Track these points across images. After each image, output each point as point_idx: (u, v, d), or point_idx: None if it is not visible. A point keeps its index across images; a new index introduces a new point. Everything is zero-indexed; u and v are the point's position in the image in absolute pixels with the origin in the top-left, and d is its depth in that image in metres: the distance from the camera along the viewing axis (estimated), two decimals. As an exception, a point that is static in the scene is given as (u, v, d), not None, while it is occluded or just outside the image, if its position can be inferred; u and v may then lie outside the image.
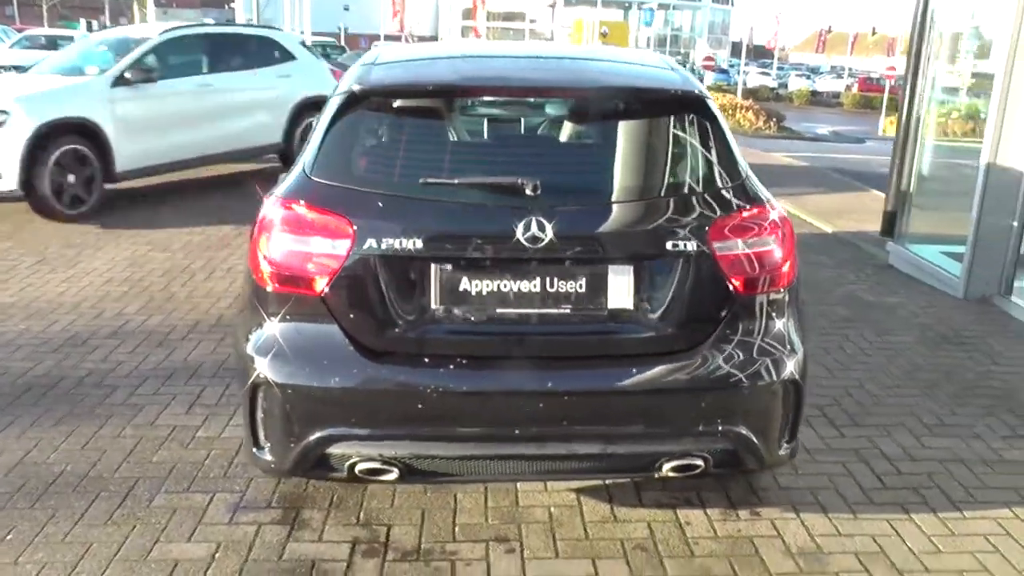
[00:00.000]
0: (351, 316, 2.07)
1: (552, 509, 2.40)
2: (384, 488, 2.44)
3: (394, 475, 2.10)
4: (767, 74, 38.99)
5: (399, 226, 2.05)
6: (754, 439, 2.11)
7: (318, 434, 2.05)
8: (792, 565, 2.19)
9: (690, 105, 2.28)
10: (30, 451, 2.62)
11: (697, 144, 2.25)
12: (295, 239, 2.07)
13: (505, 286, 2.07)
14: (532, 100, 2.52)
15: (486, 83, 2.35)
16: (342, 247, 2.04)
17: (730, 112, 16.42)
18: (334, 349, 2.06)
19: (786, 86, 37.75)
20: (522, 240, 2.02)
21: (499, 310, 2.09)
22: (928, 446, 2.86)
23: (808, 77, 40.09)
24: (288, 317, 2.10)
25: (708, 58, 32.60)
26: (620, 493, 2.48)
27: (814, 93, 35.59)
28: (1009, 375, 3.57)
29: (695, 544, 2.26)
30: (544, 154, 2.47)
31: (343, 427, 2.06)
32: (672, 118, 2.31)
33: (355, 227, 2.05)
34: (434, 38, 48.37)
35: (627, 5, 55.58)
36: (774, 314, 2.16)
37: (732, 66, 41.16)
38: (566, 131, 2.51)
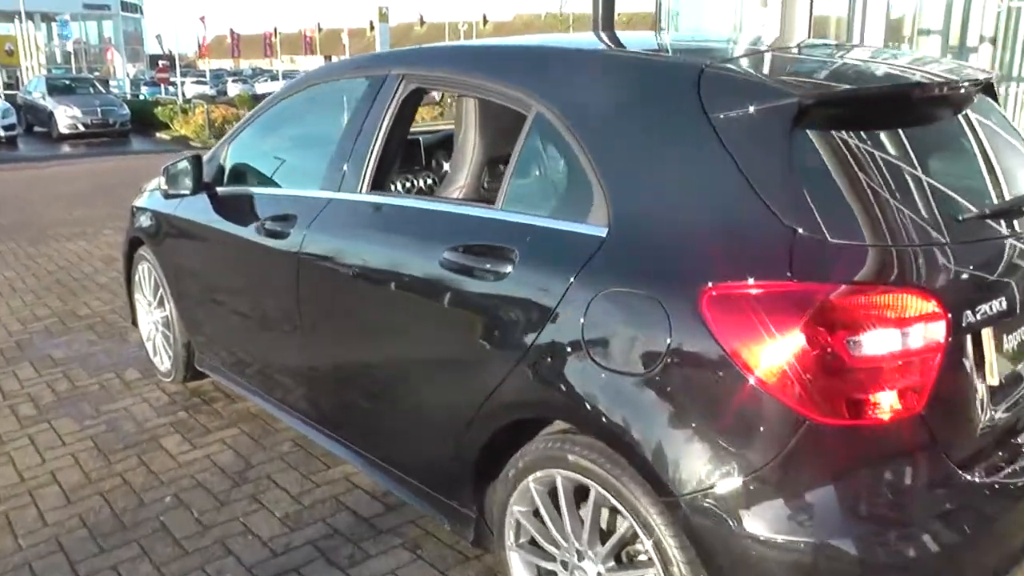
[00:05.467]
0: (946, 426, 1.71)
1: None
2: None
3: None
4: (204, 82, 41.75)
5: (974, 285, 1.74)
6: None
7: None
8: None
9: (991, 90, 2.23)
10: None
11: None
12: (879, 337, 1.60)
13: None
14: (942, 99, 2.03)
15: (917, 82, 1.99)
16: (936, 333, 1.64)
17: (235, 121, 19.45)
18: (935, 478, 1.69)
19: (225, 92, 39.83)
20: None
21: None
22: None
23: (245, 82, 44.57)
24: (853, 464, 1.65)
25: (162, 69, 34.89)
26: None
27: (255, 97, 40.11)
28: None
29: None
30: (981, 162, 2.05)
31: None
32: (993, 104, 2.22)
33: (941, 300, 1.64)
34: None
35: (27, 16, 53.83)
36: None
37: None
38: (964, 132, 2.09)
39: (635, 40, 2.75)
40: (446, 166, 3.51)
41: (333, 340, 2.83)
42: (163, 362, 4.15)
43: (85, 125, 20.90)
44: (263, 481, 3.22)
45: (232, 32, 57.91)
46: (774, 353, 1.64)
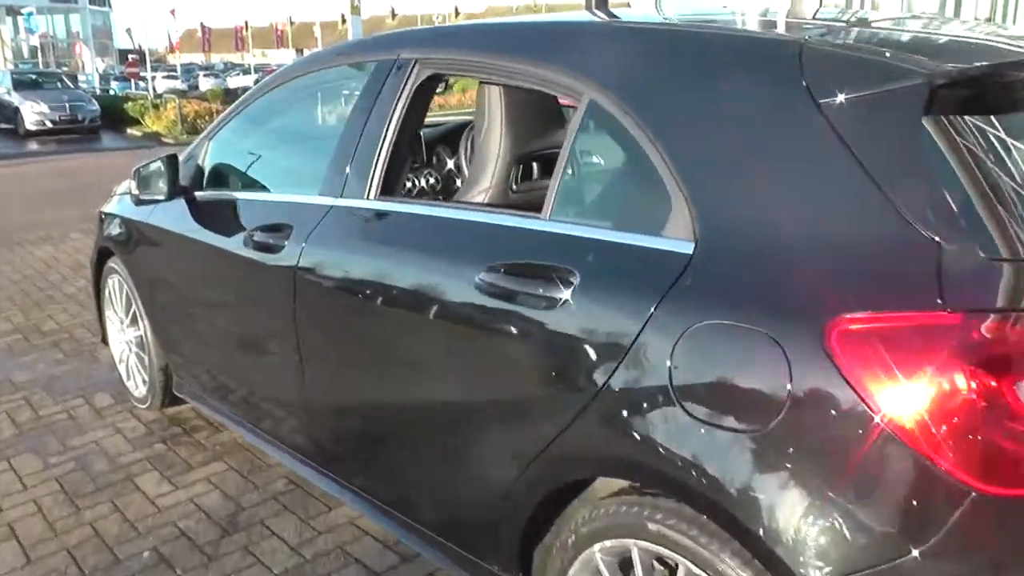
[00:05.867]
0: None
1: None
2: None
3: None
4: (175, 77, 40.70)
5: None
6: None
7: None
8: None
9: None
10: None
11: None
12: None
13: None
14: None
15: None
16: None
17: (208, 116, 18.93)
18: None
19: (197, 87, 39.50)
20: None
21: None
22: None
23: (217, 76, 43.98)
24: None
25: (132, 63, 34.28)
26: None
27: (227, 91, 39.52)
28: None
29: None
30: None
31: None
32: None
33: None
34: None
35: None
36: None
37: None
38: None
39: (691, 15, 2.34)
40: (450, 163, 3.09)
41: (340, 371, 2.41)
42: (138, 387, 3.71)
43: (53, 121, 20.25)
44: (256, 528, 2.80)
45: (203, 26, 57.04)
46: (926, 403, 1.28)
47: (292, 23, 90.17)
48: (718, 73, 1.70)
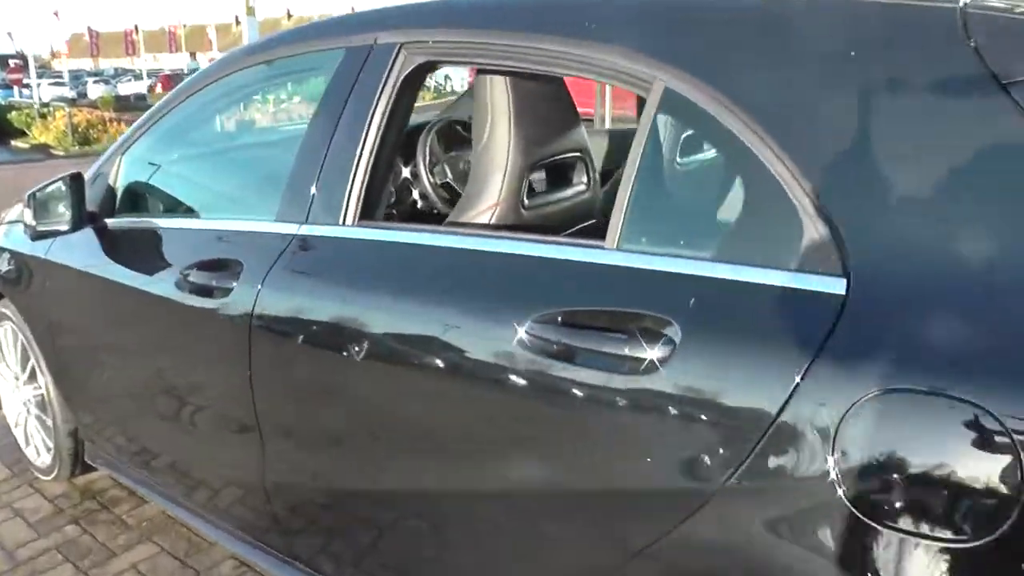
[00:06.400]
0: None
1: None
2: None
3: None
4: (62, 84, 39.11)
5: None
6: None
7: None
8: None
9: None
10: None
11: None
12: None
13: None
14: None
15: None
16: None
17: (101, 126, 18.33)
18: None
19: (86, 94, 38.12)
20: None
21: None
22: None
23: (108, 82, 42.30)
24: None
25: (14, 69, 32.65)
26: None
27: (119, 98, 36.45)
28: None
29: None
30: None
31: None
32: None
33: None
34: None
35: None
36: None
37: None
38: None
39: None
40: (405, 172, 2.51)
41: (318, 446, 1.89)
42: (40, 454, 3.05)
43: (-75, 134, 18.86)
44: (204, 636, 2.24)
45: (90, 30, 54.53)
46: None
47: (185, 26, 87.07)
48: (858, 49, 1.26)
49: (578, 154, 2.06)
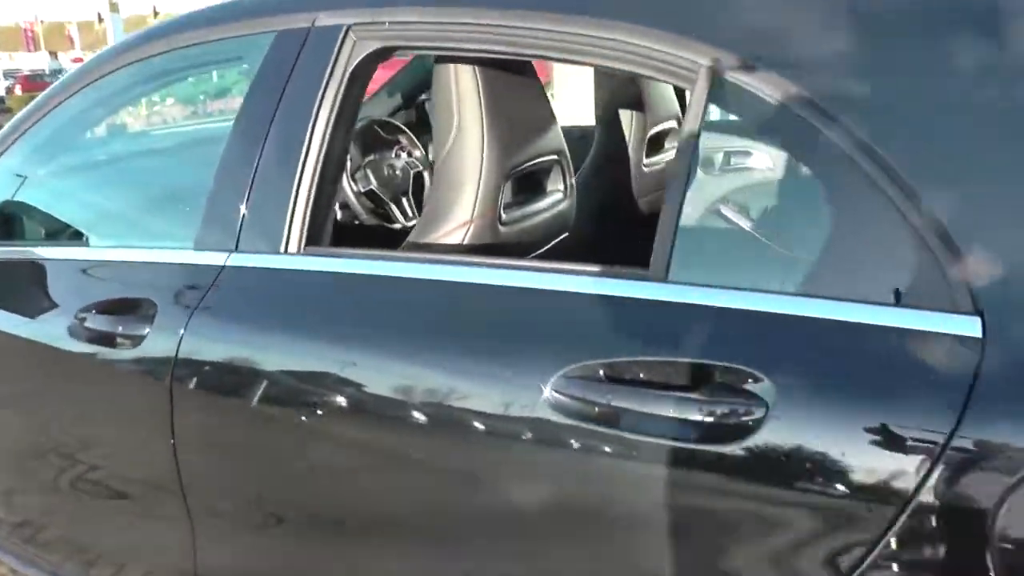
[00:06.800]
0: None
1: None
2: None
3: None
4: None
5: None
6: None
7: None
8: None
9: None
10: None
11: None
12: None
13: None
14: None
15: None
16: None
17: None
18: None
19: None
20: None
21: None
22: None
23: None
24: None
25: None
26: None
27: None
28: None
29: None
30: None
31: None
32: None
33: None
34: None
35: None
36: None
37: None
38: None
39: None
40: (345, 179, 2.17)
41: (263, 527, 1.53)
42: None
43: None
44: None
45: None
46: None
47: (42, 23, 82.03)
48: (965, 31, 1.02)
49: (555, 157, 1.77)
